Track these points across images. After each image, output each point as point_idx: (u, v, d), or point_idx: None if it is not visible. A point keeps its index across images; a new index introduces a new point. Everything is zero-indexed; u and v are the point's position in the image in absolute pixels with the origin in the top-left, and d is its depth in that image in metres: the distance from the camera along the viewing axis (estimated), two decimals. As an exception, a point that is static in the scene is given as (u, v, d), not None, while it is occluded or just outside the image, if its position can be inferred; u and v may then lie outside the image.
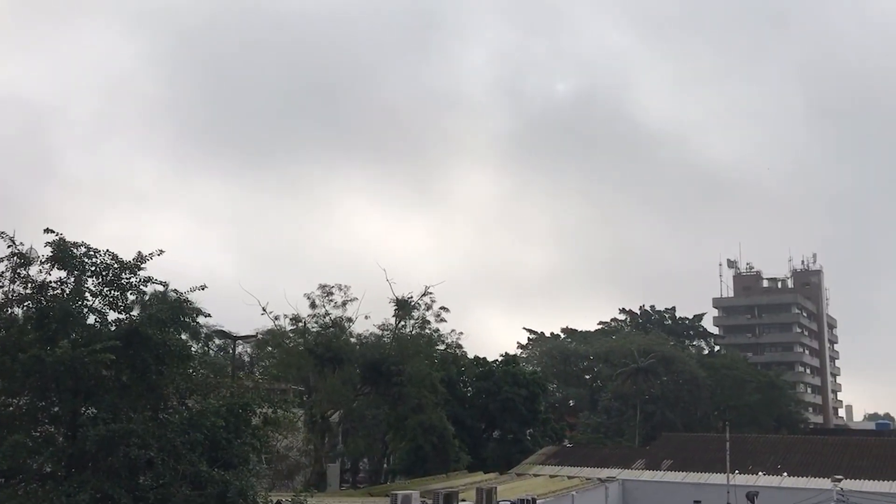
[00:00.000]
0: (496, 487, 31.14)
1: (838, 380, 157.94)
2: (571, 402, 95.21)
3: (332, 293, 45.23)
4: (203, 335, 49.82)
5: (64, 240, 18.37)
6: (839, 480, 37.50)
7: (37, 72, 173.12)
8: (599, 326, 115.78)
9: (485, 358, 62.28)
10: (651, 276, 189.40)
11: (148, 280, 19.00)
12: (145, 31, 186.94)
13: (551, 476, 45.41)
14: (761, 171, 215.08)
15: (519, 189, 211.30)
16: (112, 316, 18.64)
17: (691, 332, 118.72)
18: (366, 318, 46.09)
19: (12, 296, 18.33)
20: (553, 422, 66.18)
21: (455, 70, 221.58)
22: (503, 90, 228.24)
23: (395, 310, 46.64)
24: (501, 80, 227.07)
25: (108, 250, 18.83)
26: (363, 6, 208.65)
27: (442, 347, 51.70)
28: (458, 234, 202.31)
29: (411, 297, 46.55)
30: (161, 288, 19.82)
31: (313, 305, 45.13)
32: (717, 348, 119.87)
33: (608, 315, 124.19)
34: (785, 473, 44.41)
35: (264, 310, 43.85)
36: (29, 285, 18.34)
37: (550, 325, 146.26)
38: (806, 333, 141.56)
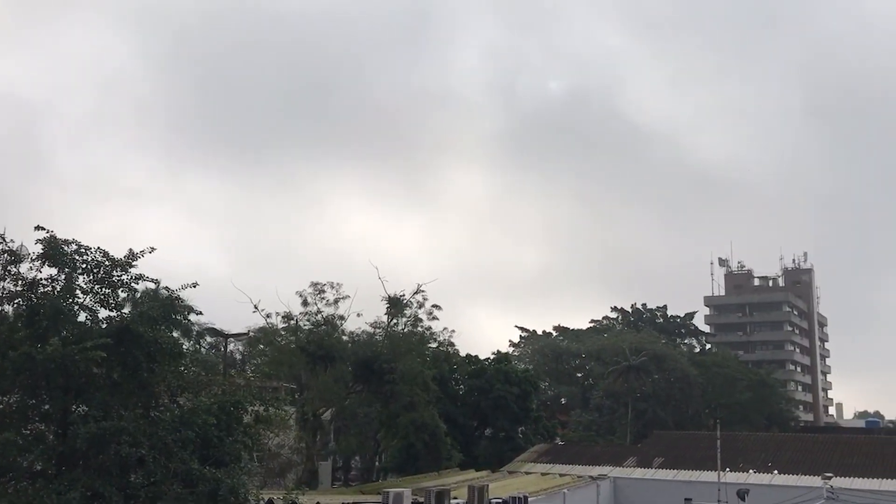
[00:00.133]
0: (488, 485, 31.17)
1: (829, 378, 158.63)
2: (563, 400, 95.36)
3: (324, 291, 45.22)
4: (194, 333, 49.59)
5: (55, 237, 18.33)
6: (829, 478, 37.67)
7: (29, 68, 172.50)
8: (591, 325, 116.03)
9: (477, 356, 62.32)
10: (643, 274, 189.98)
11: (139, 277, 18.97)
12: (138, 28, 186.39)
13: (543, 474, 45.47)
14: (753, 170, 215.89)
15: (511, 187, 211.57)
16: (103, 313, 18.63)
17: (683, 331, 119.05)
18: (358, 315, 46.11)
19: (2, 293, 18.29)
20: (545, 420, 66.27)
21: (448, 68, 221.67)
22: (496, 89, 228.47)
23: (388, 308, 46.63)
24: (494, 79, 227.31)
25: (99, 248, 18.82)
26: (356, 5, 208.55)
27: (434, 345, 51.71)
28: (450, 232, 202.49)
29: (403, 295, 46.59)
30: (152, 285, 19.81)
31: (305, 303, 45.13)
32: (708, 346, 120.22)
33: (600, 313, 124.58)
34: (775, 471, 44.58)
35: (256, 307, 43.85)
36: (19, 283, 18.29)
37: (542, 324, 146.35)
38: (797, 332, 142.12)
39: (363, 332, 47.26)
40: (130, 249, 18.99)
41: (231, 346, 52.94)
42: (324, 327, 44.75)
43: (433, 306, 47.53)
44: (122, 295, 18.97)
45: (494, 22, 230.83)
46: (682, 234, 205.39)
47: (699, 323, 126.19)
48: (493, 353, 64.47)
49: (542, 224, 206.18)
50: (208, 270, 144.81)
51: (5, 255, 18.29)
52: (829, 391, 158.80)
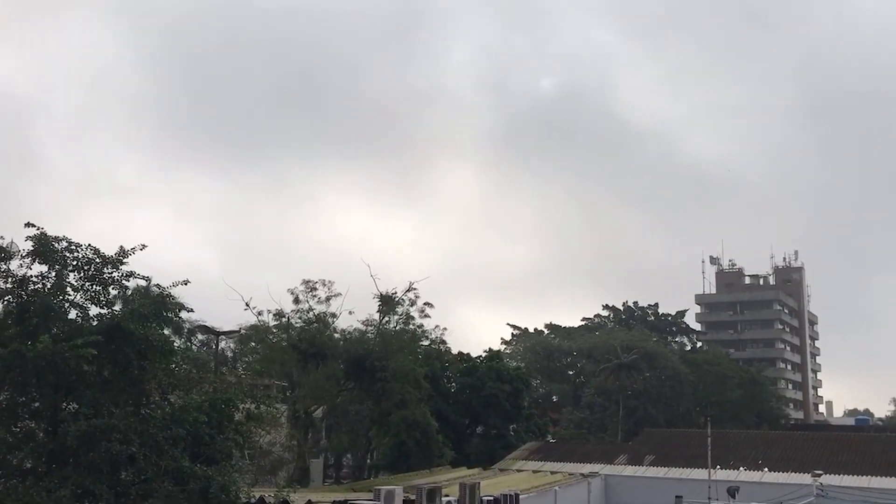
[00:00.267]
0: (479, 483, 31.18)
1: (819, 376, 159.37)
2: (555, 398, 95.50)
3: (315, 289, 45.11)
4: (186, 330, 49.32)
5: (45, 234, 18.25)
6: (819, 475, 37.88)
7: (18, 65, 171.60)
8: (583, 322, 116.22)
9: (469, 354, 62.37)
10: (634, 272, 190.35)
11: (130, 275, 18.92)
12: (129, 25, 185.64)
13: (534, 471, 45.56)
14: (745, 169, 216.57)
15: (503, 185, 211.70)
16: (94, 311, 18.56)
17: (674, 329, 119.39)
18: (350, 313, 45.98)
19: (-7, 290, 18.20)
20: (536, 417, 66.37)
21: (441, 66, 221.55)
22: (488, 86, 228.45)
23: (380, 305, 46.55)
24: (487, 77, 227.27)
25: (89, 245, 18.75)
26: (349, 1, 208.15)
27: (426, 343, 51.66)
28: (442, 230, 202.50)
29: (395, 293, 46.51)
30: (143, 283, 19.77)
31: (297, 301, 45.00)
32: (699, 344, 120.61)
33: (592, 311, 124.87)
34: (766, 469, 44.79)
35: (248, 305, 43.70)
36: (9, 280, 18.20)
37: (534, 321, 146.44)
38: (787, 330, 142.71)
39: (355, 329, 47.22)
40: (121, 246, 18.95)
41: (222, 344, 52.86)
42: (315, 325, 44.67)
43: (425, 304, 47.51)
44: (113, 292, 18.91)
45: (487, 19, 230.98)
46: (673, 232, 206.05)
47: (690, 321, 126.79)
48: (485, 351, 64.52)
49: (534, 222, 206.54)
50: (200, 268, 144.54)
51: (-5, 252, 18.22)
52: (819, 389, 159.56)
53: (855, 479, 41.57)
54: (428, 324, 49.22)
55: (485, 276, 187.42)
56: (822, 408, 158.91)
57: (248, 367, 47.28)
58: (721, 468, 42.43)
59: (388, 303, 46.33)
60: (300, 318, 44.93)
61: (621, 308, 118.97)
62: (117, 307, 18.72)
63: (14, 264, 18.27)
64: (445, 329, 52.07)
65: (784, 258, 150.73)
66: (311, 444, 46.44)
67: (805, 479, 39.45)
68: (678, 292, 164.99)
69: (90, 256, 18.57)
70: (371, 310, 46.92)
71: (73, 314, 18.27)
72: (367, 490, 31.28)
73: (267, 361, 44.50)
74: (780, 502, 36.71)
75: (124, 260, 18.84)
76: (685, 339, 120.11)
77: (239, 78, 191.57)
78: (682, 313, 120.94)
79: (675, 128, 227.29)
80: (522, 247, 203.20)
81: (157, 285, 19.47)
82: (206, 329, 47.58)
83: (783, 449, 48.67)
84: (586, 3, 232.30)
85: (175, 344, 20.33)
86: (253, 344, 47.47)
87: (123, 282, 18.95)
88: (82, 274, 18.53)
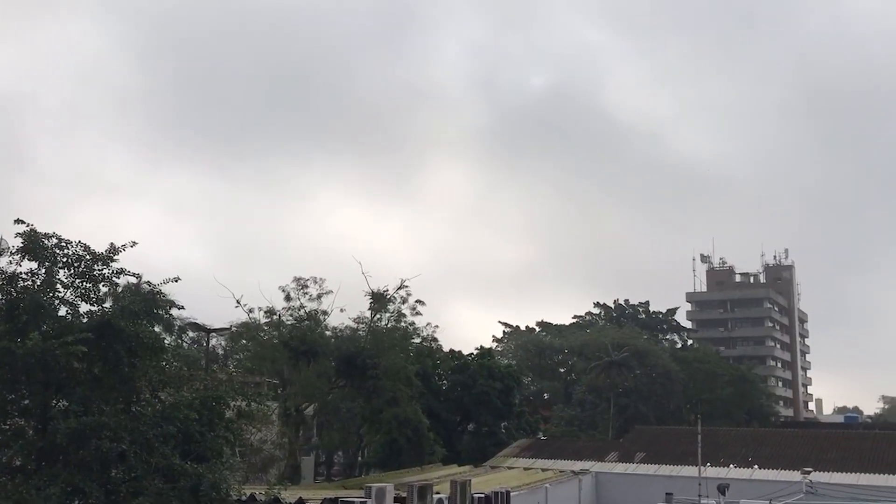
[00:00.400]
0: (470, 480, 31.21)
1: (809, 374, 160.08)
2: (546, 395, 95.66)
3: (307, 286, 45.05)
4: (176, 328, 49.29)
5: (35, 231, 18.15)
6: (808, 472, 38.05)
7: (6, 60, 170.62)
8: (574, 320, 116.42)
9: (460, 351, 62.43)
10: (625, 270, 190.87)
11: (120, 272, 18.82)
12: (117, 19, 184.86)
13: (525, 469, 45.61)
14: (735, 167, 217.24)
15: (494, 183, 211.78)
16: (84, 308, 18.46)
17: (664, 326, 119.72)
18: (341, 311, 45.96)
19: (-18, 287, 18.09)
20: (527, 415, 66.47)
21: (430, 63, 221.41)
22: (478, 84, 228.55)
23: (371, 303, 46.51)
24: (477, 74, 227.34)
25: (79, 241, 18.65)
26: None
27: (417, 341, 51.68)
28: (433, 227, 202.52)
29: (387, 291, 46.47)
30: (134, 280, 19.70)
31: (288, 298, 44.94)
32: (689, 342, 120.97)
33: (583, 309, 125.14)
34: (756, 466, 44.96)
35: (238, 302, 43.58)
36: (-1, 277, 18.11)
37: (525, 319, 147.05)
38: (777, 328, 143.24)
39: (346, 327, 47.20)
40: (112, 243, 18.86)
41: (213, 341, 52.73)
42: (307, 322, 44.62)
43: (417, 301, 47.52)
44: (104, 289, 18.82)
45: (478, 17, 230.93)
46: (664, 230, 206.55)
47: (681, 319, 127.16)
48: (477, 349, 64.64)
49: (525, 220, 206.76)
50: (190, 265, 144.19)
51: (-16, 248, 18.12)
52: (808, 387, 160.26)
53: (844, 476, 41.78)
54: (419, 321, 49.30)
55: (476, 273, 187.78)
56: (811, 405, 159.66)
57: (239, 364, 47.25)
58: (711, 465, 42.57)
59: (379, 300, 46.30)
60: (291, 315, 44.89)
61: (612, 306, 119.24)
62: (107, 304, 18.63)
63: (3, 261, 18.18)
64: (437, 327, 52.18)
65: (774, 256, 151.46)
66: (303, 442, 46.40)
67: (795, 476, 39.61)
68: (669, 290, 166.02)
69: (80, 253, 18.48)
70: (362, 307, 46.94)
71: (63, 311, 18.18)
72: (358, 487, 31.25)
73: (258, 359, 44.44)
74: (769, 499, 36.81)
75: (115, 257, 18.75)
76: (676, 337, 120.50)
77: (229, 75, 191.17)
78: (672, 311, 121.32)
79: (665, 126, 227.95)
80: (513, 245, 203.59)
81: (148, 282, 19.41)
82: (196, 326, 47.49)
83: (773, 446, 48.88)
84: (577, 1, 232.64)
85: (166, 341, 20.24)
86: (244, 341, 47.42)
87: (114, 279, 18.87)
88: (72, 271, 18.44)
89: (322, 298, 45.10)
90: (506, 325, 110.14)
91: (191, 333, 53.86)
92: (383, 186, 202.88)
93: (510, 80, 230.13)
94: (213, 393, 19.19)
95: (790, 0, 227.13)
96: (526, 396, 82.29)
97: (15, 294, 17.83)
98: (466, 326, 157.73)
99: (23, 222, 18.02)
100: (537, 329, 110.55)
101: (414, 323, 48.74)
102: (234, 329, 46.15)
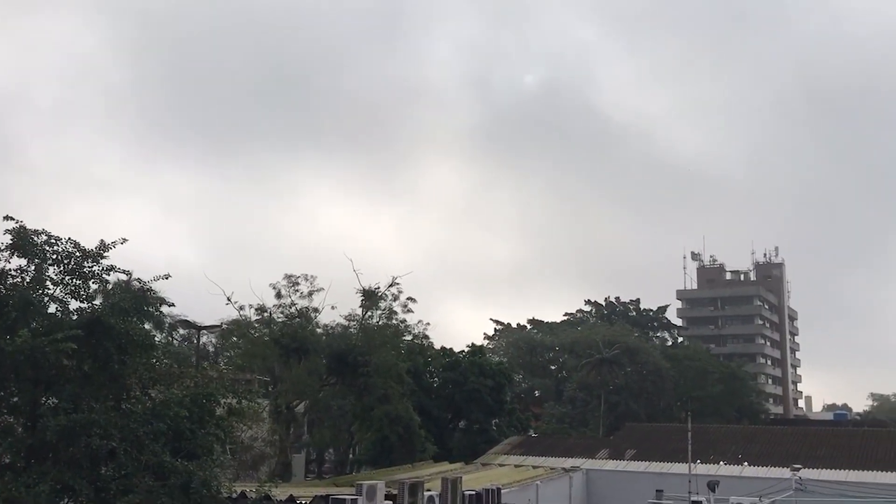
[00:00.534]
0: (461, 477, 31.26)
1: (798, 371, 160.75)
2: (537, 393, 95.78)
3: (298, 283, 44.93)
4: (167, 325, 49.32)
5: (24, 227, 18.07)
6: (798, 469, 38.23)
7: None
8: (565, 317, 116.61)
9: (451, 349, 62.41)
10: (616, 268, 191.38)
11: (111, 269, 18.75)
12: (109, 17, 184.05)
13: (516, 466, 45.71)
14: (725, 165, 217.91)
15: (487, 180, 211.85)
16: (74, 305, 18.39)
17: (655, 324, 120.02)
18: (332, 308, 45.86)
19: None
20: (518, 412, 66.56)
21: (423, 61, 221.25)
22: (471, 82, 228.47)
23: (362, 300, 46.44)
24: (470, 72, 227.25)
25: (69, 238, 18.57)
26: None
27: (409, 338, 51.62)
28: (425, 225, 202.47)
29: (378, 288, 46.41)
30: (124, 277, 19.62)
31: (279, 295, 44.81)
32: (680, 340, 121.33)
33: (574, 306, 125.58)
34: (745, 463, 45.18)
35: (229, 299, 43.43)
36: (-12, 273, 18.02)
37: (517, 316, 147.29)
38: (767, 325, 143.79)
39: (337, 324, 47.14)
40: (102, 240, 18.79)
41: (204, 339, 52.62)
42: (298, 320, 44.52)
43: (408, 299, 47.45)
44: (94, 286, 18.76)
45: (471, 15, 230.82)
46: (655, 228, 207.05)
47: (671, 316, 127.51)
48: (468, 346, 64.61)
49: (517, 217, 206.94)
50: (181, 262, 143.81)
51: (-27, 245, 18.02)
52: (798, 384, 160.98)
53: (833, 473, 42.03)
54: (411, 319, 49.23)
55: (468, 271, 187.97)
56: (801, 403, 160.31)
57: (230, 361, 47.05)
58: (701, 462, 42.78)
59: (370, 298, 46.25)
60: (282, 312, 44.78)
61: (603, 303, 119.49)
62: (97, 301, 18.56)
63: (-8, 258, 18.09)
64: (428, 324, 52.12)
65: (765, 254, 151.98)
66: (293, 439, 46.33)
67: (784, 472, 39.81)
68: (660, 288, 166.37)
69: (70, 250, 18.40)
70: (354, 305, 46.86)
71: (52, 308, 18.11)
72: (349, 485, 31.26)
73: (249, 356, 44.31)
74: (759, 496, 37.00)
75: (105, 254, 18.68)
76: (666, 335, 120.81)
77: (221, 72, 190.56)
78: (663, 309, 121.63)
79: (657, 124, 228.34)
80: (505, 242, 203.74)
81: (138, 279, 19.32)
82: (187, 324, 47.39)
83: (763, 443, 49.13)
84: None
85: (156, 338, 20.22)
86: (235, 339, 47.26)
87: (104, 276, 18.79)
88: (62, 268, 18.36)
89: (313, 296, 45.04)
90: (497, 322, 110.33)
91: (181, 331, 53.77)
92: (376, 184, 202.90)
93: (503, 79, 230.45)
94: (204, 390, 19.14)
95: (782, 1, 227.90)
96: (517, 394, 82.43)
97: (4, 291, 17.74)
98: (458, 324, 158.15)
99: (12, 219, 17.93)
100: (529, 326, 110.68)
101: (405, 320, 48.73)
102: (224, 326, 46.01)
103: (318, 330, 45.83)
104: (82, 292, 18.43)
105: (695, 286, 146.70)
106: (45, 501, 15.45)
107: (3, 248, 18.01)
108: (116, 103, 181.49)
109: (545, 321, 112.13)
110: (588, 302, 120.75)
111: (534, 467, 45.23)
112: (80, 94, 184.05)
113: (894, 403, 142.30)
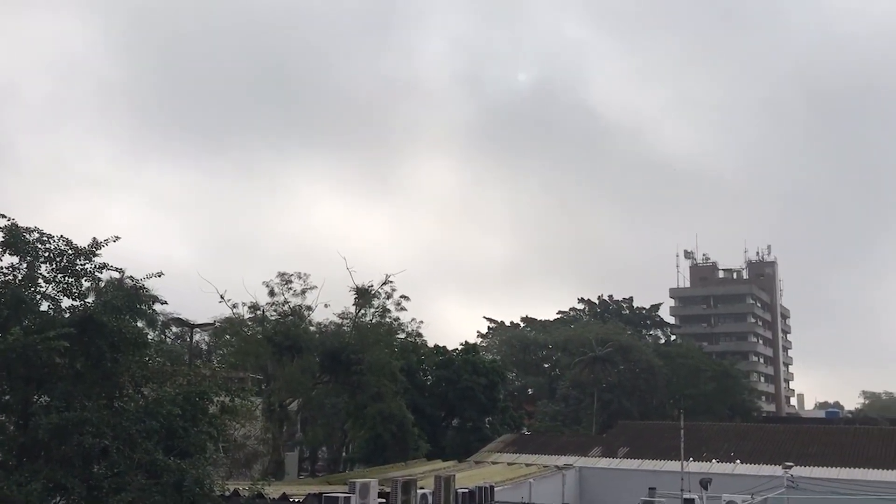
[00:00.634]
0: (455, 475, 31.23)
1: (791, 369, 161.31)
2: (530, 391, 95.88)
3: (291, 281, 44.86)
4: (159, 323, 49.03)
5: (16, 225, 18.01)
6: (790, 467, 38.35)
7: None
8: (558, 315, 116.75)
9: (445, 346, 62.39)
10: (609, 266, 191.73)
11: (103, 266, 18.71)
12: (100, 14, 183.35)
13: (509, 464, 45.71)
14: (718, 163, 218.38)
15: (479, 178, 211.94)
16: (66, 303, 18.36)
17: (648, 322, 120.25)
18: (325, 306, 45.81)
19: (-38, 282, 17.92)
20: (512, 410, 66.58)
21: (415, 58, 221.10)
22: (464, 79, 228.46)
23: (355, 298, 46.42)
24: (462, 70, 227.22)
25: (62, 236, 18.53)
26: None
27: (402, 336, 51.63)
28: (418, 222, 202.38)
29: (371, 286, 46.40)
30: (116, 274, 19.54)
31: (272, 293, 44.73)
32: (673, 338, 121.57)
33: (567, 304, 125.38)
34: (738, 460, 45.26)
35: (222, 297, 43.36)
36: (-21, 271, 17.95)
37: (510, 314, 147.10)
38: (760, 323, 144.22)
39: (331, 322, 47.08)
40: (94, 238, 18.75)
41: (197, 337, 52.51)
42: (291, 318, 44.44)
43: (401, 297, 47.45)
44: (86, 284, 18.72)
45: (463, 13, 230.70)
46: (648, 226, 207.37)
47: (664, 314, 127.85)
48: (461, 344, 64.59)
49: (510, 215, 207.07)
50: (174, 260, 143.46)
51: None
52: (790, 382, 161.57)
53: (825, 471, 42.15)
54: (404, 317, 49.28)
55: (461, 269, 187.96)
56: (793, 401, 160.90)
57: (223, 359, 46.94)
58: (694, 460, 42.84)
59: (364, 296, 46.22)
60: (275, 310, 44.70)
61: (596, 301, 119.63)
62: (90, 299, 18.52)
63: (-16, 256, 18.03)
64: (422, 322, 52.21)
65: (757, 252, 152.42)
66: (286, 438, 46.29)
67: (776, 470, 39.93)
68: (653, 286, 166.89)
69: (62, 248, 18.36)
70: (347, 303, 46.85)
71: (44, 306, 18.06)
72: (342, 483, 31.24)
73: (242, 354, 44.22)
74: (751, 493, 37.09)
75: (97, 251, 18.64)
76: (659, 333, 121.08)
77: (213, 69, 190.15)
78: (656, 307, 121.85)
79: (649, 122, 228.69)
80: (498, 240, 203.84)
81: (131, 277, 19.26)
82: (180, 321, 47.24)
83: (755, 441, 49.23)
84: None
85: (149, 336, 20.16)
86: (227, 337, 47.18)
87: (96, 273, 18.75)
88: (54, 265, 18.31)
89: (306, 294, 44.98)
90: (490, 320, 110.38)
91: (174, 329, 53.62)
92: (368, 181, 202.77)
93: (496, 76, 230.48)
94: (197, 388, 19.11)
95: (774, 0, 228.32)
96: (510, 392, 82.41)
97: (-4, 289, 17.69)
98: (451, 322, 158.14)
99: (3, 216, 17.90)
100: (522, 324, 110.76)
101: (399, 318, 48.76)
102: (217, 324, 45.94)
103: (312, 328, 45.80)
104: (75, 290, 18.40)
105: (688, 284, 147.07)
106: (37, 500, 15.41)
107: (-6, 245, 17.96)
108: (108, 100, 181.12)
109: (538, 319, 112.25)
110: (581, 300, 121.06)
111: (527, 465, 45.24)
112: (73, 91, 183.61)
113: (885, 401, 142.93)
